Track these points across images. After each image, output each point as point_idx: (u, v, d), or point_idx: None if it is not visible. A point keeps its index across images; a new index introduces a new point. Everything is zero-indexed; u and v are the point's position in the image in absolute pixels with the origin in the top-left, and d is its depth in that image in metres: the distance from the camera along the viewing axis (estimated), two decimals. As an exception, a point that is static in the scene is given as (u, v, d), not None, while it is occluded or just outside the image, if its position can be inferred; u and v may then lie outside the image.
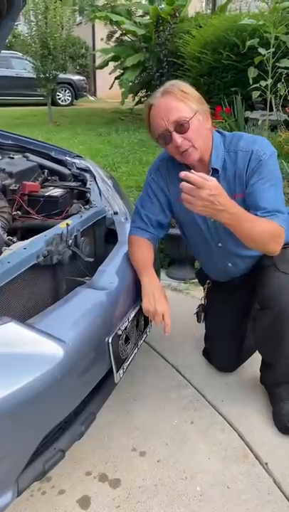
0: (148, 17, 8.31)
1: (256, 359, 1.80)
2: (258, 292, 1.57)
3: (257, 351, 1.78)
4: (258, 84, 4.39)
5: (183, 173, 1.25)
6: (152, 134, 1.50)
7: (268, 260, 1.56)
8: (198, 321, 1.92)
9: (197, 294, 2.47)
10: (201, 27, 6.57)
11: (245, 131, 4.83)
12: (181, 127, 1.40)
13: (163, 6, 8.13)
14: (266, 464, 1.49)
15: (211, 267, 1.80)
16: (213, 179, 1.27)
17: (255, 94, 4.47)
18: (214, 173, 1.51)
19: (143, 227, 1.64)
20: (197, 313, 1.93)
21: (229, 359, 1.89)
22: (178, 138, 1.42)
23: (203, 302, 1.93)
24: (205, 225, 1.61)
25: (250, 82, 4.48)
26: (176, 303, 1.88)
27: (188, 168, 1.54)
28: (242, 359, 1.90)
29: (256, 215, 1.43)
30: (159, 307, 1.46)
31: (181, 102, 1.41)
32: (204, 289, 1.92)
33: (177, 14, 7.59)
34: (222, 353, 1.89)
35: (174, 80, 1.56)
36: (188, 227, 1.70)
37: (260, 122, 4.82)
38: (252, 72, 4.49)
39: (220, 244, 1.64)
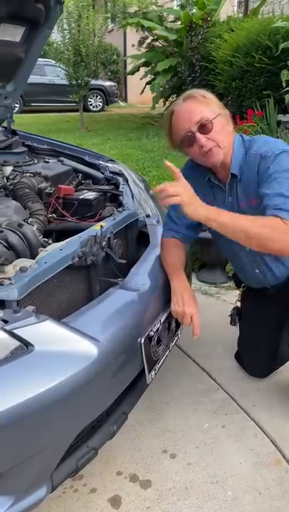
0: (179, 22, 8.34)
1: (288, 365, 1.77)
2: None
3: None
4: (291, 87, 4.33)
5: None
6: (174, 140, 1.50)
7: None
8: (232, 323, 1.90)
9: (228, 298, 2.46)
10: (233, 31, 6.53)
11: (277, 134, 4.77)
12: (205, 127, 1.42)
13: (194, 10, 8.14)
14: (299, 471, 1.46)
15: (241, 272, 1.79)
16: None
17: (288, 98, 4.42)
18: (233, 177, 1.51)
19: (174, 228, 1.65)
20: (231, 315, 1.91)
21: (261, 367, 1.86)
22: (202, 138, 1.43)
23: (237, 305, 1.91)
24: None
25: (283, 85, 4.42)
26: (206, 307, 1.88)
27: (211, 172, 1.55)
28: (274, 367, 1.86)
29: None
30: (187, 309, 1.46)
31: (203, 105, 1.44)
32: (240, 292, 1.90)
33: (209, 18, 7.57)
34: (254, 360, 1.87)
35: (198, 88, 1.57)
36: (213, 231, 1.68)
37: (293, 125, 4.74)
38: (285, 75, 4.45)
39: (247, 249, 1.61)
